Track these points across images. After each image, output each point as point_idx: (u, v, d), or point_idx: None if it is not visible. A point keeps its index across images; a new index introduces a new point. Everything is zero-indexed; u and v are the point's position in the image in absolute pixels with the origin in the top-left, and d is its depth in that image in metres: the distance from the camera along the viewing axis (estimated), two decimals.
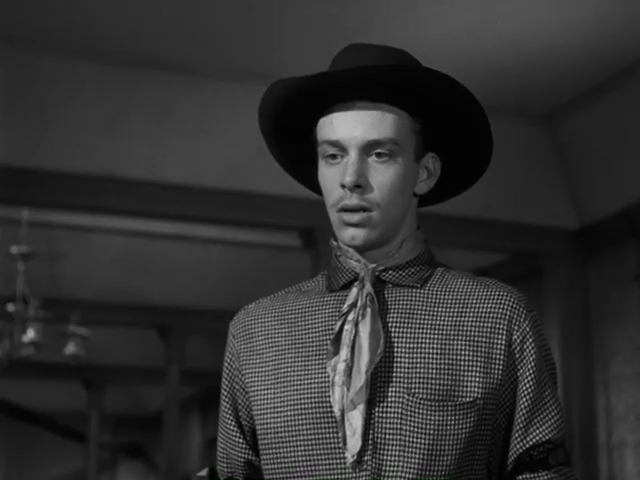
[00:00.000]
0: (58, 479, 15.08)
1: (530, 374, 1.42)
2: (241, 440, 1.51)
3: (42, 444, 14.75)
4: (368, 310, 1.41)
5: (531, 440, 1.42)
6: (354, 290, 1.43)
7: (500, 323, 1.42)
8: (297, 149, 1.52)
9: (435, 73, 1.39)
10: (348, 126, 1.40)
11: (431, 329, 1.41)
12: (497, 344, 1.41)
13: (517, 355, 1.42)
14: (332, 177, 1.42)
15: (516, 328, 1.42)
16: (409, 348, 1.40)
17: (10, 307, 6.89)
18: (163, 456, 9.34)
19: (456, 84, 1.40)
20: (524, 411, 1.42)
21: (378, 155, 1.40)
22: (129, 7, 5.10)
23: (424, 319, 1.42)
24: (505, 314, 1.43)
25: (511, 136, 6.29)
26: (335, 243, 1.50)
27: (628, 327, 6.19)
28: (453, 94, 1.42)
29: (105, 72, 5.64)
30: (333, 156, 1.42)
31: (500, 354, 1.41)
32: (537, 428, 1.42)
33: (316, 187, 1.50)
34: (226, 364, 1.53)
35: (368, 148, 1.40)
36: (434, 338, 1.41)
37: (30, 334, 6.87)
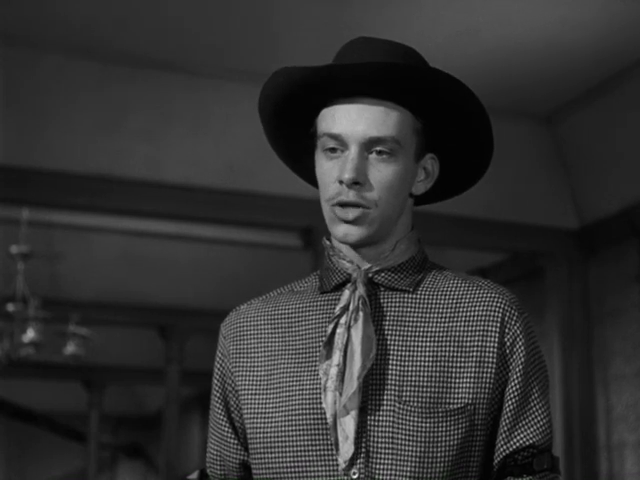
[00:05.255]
0: (58, 479, 15.08)
1: (518, 377, 1.40)
2: (235, 441, 1.49)
3: (42, 444, 14.75)
4: (360, 314, 1.39)
5: (514, 444, 1.40)
6: (346, 293, 1.42)
7: (492, 326, 1.41)
8: (296, 138, 1.50)
9: (442, 74, 1.38)
10: (350, 121, 1.38)
11: (423, 336, 1.40)
12: (489, 347, 1.40)
13: (507, 358, 1.40)
14: (330, 171, 1.40)
15: (507, 330, 1.41)
16: (401, 355, 1.39)
17: (10, 307, 6.89)
18: (163, 456, 9.34)
19: (462, 86, 1.39)
20: (509, 414, 1.40)
21: (379, 152, 1.39)
22: (129, 7, 5.10)
23: (416, 326, 1.41)
24: (497, 316, 1.41)
25: (511, 136, 6.29)
26: (328, 242, 1.49)
27: (628, 327, 6.19)
28: (458, 96, 1.40)
29: (105, 72, 5.64)
30: (333, 149, 1.40)
31: (492, 357, 1.40)
32: (521, 432, 1.40)
33: (313, 179, 1.48)
34: (217, 365, 1.52)
35: (369, 145, 1.38)
36: (426, 345, 1.40)
37: (30, 334, 6.87)
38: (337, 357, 1.38)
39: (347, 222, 1.39)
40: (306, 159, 1.49)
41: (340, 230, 1.40)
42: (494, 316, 1.41)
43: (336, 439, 1.36)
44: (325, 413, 1.37)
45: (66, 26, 5.30)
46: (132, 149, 5.68)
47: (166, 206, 5.86)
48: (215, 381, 1.52)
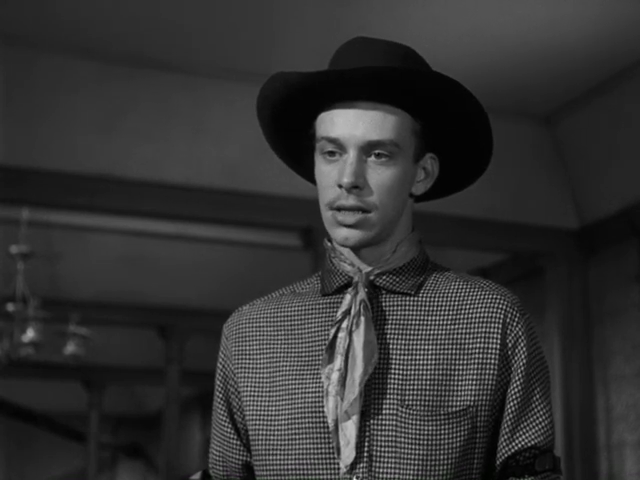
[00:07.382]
0: (58, 479, 15.08)
1: (519, 378, 1.40)
2: (238, 442, 1.49)
3: (42, 444, 14.75)
4: (362, 319, 1.39)
5: (517, 445, 1.40)
6: (348, 297, 1.41)
7: (493, 327, 1.41)
8: (295, 139, 1.49)
9: (441, 77, 1.38)
10: (349, 124, 1.37)
11: (425, 339, 1.40)
12: (490, 349, 1.40)
13: (509, 359, 1.40)
14: (329, 174, 1.40)
15: (508, 332, 1.41)
16: (403, 359, 1.39)
17: (10, 307, 6.88)
18: (163, 456, 9.34)
19: (461, 89, 1.39)
20: (511, 415, 1.40)
21: (377, 155, 1.38)
22: (129, 7, 5.10)
23: (418, 329, 1.41)
24: (499, 318, 1.41)
25: (511, 136, 6.29)
26: (329, 244, 1.48)
27: (628, 327, 6.19)
28: (458, 98, 1.40)
29: (105, 72, 5.63)
30: (331, 153, 1.39)
31: (494, 359, 1.39)
32: (523, 433, 1.40)
33: (313, 178, 1.47)
34: (220, 366, 1.51)
35: (368, 148, 1.38)
36: (428, 349, 1.39)
37: (30, 334, 6.86)
38: (339, 362, 1.38)
39: (347, 226, 1.39)
40: (306, 159, 1.49)
41: (340, 234, 1.40)
42: (496, 318, 1.41)
43: (337, 444, 1.36)
44: (327, 417, 1.37)
45: (66, 26, 5.30)
46: (132, 149, 5.68)
47: (166, 206, 5.86)
48: (217, 382, 1.52)
